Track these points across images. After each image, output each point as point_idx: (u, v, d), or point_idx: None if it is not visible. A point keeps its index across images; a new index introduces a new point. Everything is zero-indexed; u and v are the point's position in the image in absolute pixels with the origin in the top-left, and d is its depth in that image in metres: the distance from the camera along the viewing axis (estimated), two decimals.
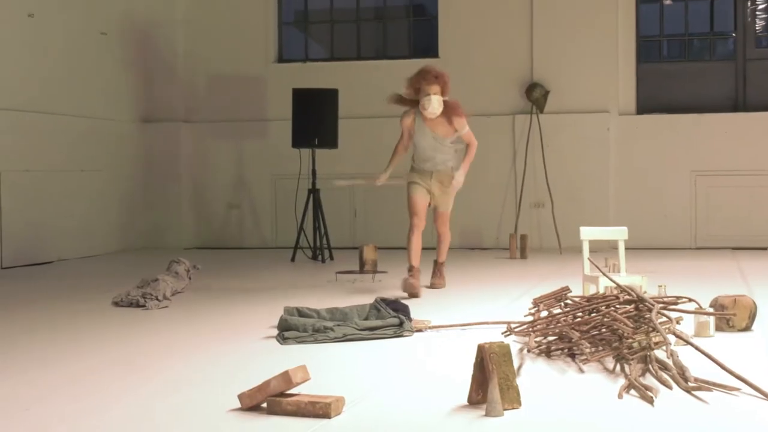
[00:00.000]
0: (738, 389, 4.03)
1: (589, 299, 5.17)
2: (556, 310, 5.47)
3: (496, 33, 12.03)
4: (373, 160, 12.18)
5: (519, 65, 11.94)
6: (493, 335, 5.19)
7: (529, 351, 4.82)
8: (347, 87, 11.59)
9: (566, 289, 5.70)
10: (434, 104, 7.56)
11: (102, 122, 11.88)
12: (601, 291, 5.74)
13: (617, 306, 4.89)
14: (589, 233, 6.47)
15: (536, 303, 5.73)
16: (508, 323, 5.44)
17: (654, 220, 11.61)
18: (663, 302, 5.01)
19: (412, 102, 7.76)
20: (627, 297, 4.92)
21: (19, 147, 10.42)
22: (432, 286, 7.90)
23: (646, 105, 11.95)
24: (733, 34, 12.06)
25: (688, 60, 12.30)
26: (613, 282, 5.37)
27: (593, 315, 4.88)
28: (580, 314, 4.99)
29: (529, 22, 11.88)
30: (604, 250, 9.54)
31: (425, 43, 12.77)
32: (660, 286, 5.89)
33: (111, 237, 12.00)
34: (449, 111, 7.65)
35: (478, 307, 6.70)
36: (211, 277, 8.85)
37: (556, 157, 11.68)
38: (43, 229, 10.71)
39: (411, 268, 7.56)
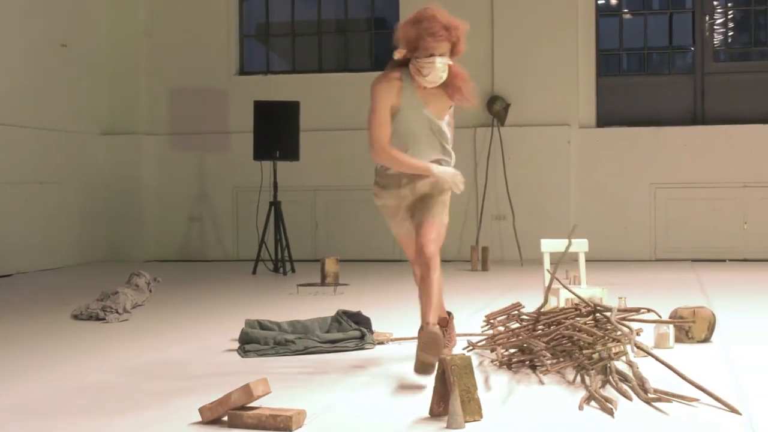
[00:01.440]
0: (697, 399, 4.06)
1: (543, 313, 5.18)
2: (514, 325, 5.48)
3: None
4: (335, 173, 12.22)
5: (480, 78, 11.97)
6: (455, 348, 5.19)
7: (497, 365, 4.82)
8: (309, 99, 11.60)
9: (518, 305, 5.72)
10: (439, 70, 4.92)
11: (63, 134, 11.80)
12: (562, 304, 5.76)
13: (576, 318, 4.92)
14: (549, 245, 6.49)
15: (488, 320, 5.72)
16: (469, 335, 5.45)
17: (614, 232, 11.69)
18: (623, 312, 5.05)
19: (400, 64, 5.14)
20: (586, 308, 4.95)
21: None
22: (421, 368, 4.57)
23: (606, 118, 12.04)
24: (692, 48, 12.19)
25: (647, 73, 12.41)
26: (572, 293, 5.40)
27: (553, 327, 4.90)
28: (540, 327, 5.01)
29: (490, 35, 11.94)
30: (565, 262, 9.57)
31: (386, 56, 12.76)
32: (620, 298, 5.92)
33: (71, 250, 11.90)
34: (454, 78, 5.01)
35: None
36: (172, 289, 8.80)
37: (518, 170, 11.74)
38: (2, 242, 10.60)
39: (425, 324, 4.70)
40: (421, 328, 4.66)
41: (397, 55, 4.99)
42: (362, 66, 12.79)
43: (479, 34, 11.94)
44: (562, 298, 5.88)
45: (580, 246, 6.57)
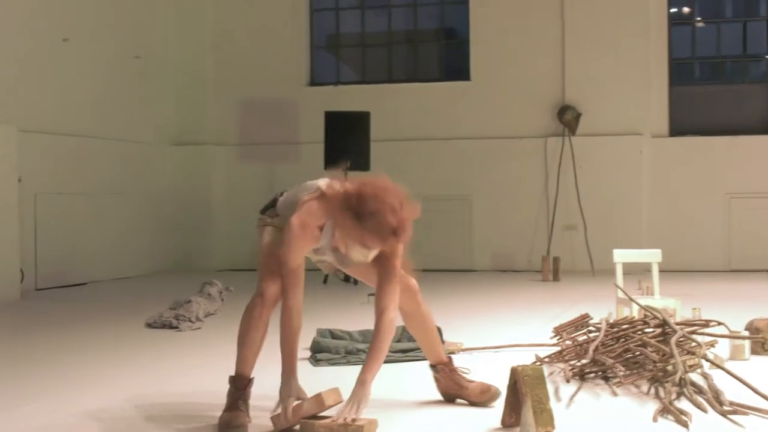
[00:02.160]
0: None
1: (612, 325, 5.14)
2: (583, 337, 5.43)
3: (528, 55, 12.04)
4: (405, 182, 12.21)
5: (551, 88, 11.94)
6: (526, 358, 5.17)
7: (567, 381, 4.78)
8: (379, 110, 11.63)
9: (586, 316, 5.67)
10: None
11: (134, 145, 11.99)
12: (635, 315, 5.70)
13: (644, 330, 4.88)
14: (622, 256, 6.43)
15: (557, 332, 5.69)
16: (541, 345, 5.42)
17: (688, 242, 11.55)
18: (690, 325, 4.98)
19: None
20: (654, 321, 4.90)
21: (52, 170, 10.53)
22: None
23: (678, 127, 11.91)
24: (767, 56, 12.00)
25: (721, 82, 12.25)
26: (639, 305, 5.35)
27: (621, 341, 4.86)
28: (610, 341, 4.96)
29: (561, 45, 11.88)
30: (637, 272, 9.49)
31: (456, 66, 12.80)
32: (694, 309, 5.86)
33: (143, 259, 12.07)
34: None
35: (511, 329, 6.68)
36: (244, 298, 8.82)
37: (589, 180, 11.65)
38: (76, 251, 10.79)
39: None
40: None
41: (324, 186, 4.16)
42: (431, 76, 12.81)
43: (550, 44, 11.90)
44: (635, 309, 5.82)
45: (654, 256, 6.51)
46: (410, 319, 4.50)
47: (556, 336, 5.65)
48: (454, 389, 4.43)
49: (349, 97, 12.28)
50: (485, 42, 12.22)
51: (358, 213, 3.89)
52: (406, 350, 5.56)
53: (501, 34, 12.15)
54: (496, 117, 12.12)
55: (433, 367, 4.50)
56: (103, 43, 11.50)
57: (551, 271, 10.61)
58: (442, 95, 12.37)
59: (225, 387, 4.07)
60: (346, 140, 10.77)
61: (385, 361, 5.38)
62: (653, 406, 4.19)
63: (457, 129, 12.18)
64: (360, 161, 10.79)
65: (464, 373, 4.55)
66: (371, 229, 3.88)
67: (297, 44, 12.87)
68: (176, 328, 6.99)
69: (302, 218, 4.08)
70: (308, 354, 5.60)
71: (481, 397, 4.36)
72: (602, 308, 6.52)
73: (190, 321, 7.12)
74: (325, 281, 10.70)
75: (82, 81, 11.09)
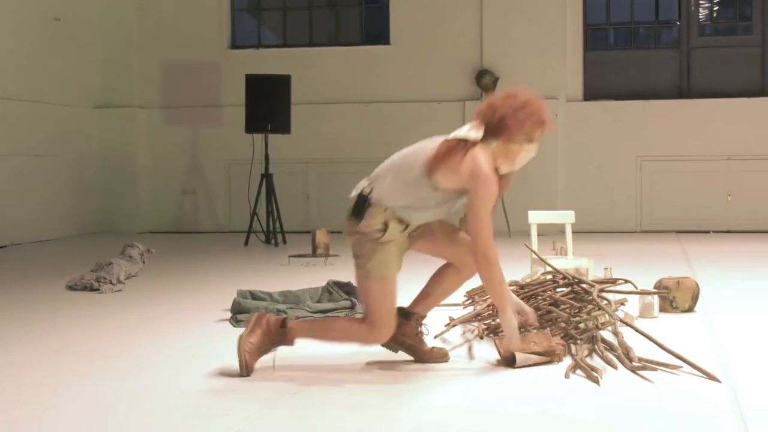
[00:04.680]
0: (680, 368, 4.17)
1: (523, 285, 5.27)
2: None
3: (447, 20, 12.14)
4: (326, 146, 12.31)
5: (469, 52, 12.06)
6: (440, 318, 5.26)
7: (481, 338, 4.90)
8: (300, 73, 11.66)
9: None
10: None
11: (57, 107, 11.85)
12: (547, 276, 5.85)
13: (556, 290, 5.03)
14: (536, 217, 6.59)
15: (470, 296, 5.73)
16: (456, 305, 5.53)
17: (601, 204, 11.81)
18: (601, 284, 5.16)
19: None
20: (563, 280, 5.06)
21: None
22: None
23: (593, 92, 12.14)
24: (678, 23, 12.27)
25: (634, 48, 12.50)
26: (549, 266, 5.49)
27: (531, 300, 4.99)
28: (522, 300, 5.09)
29: (479, 10, 12.00)
30: (553, 233, 9.71)
31: (377, 30, 12.86)
32: (606, 269, 6.04)
33: (65, 222, 11.98)
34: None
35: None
36: (165, 260, 8.89)
37: None
38: None
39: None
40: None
41: (475, 134, 4.18)
42: (353, 40, 12.85)
43: (469, 9, 12.02)
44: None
45: (566, 217, 6.67)
46: (452, 272, 4.47)
47: (468, 300, 5.73)
48: (413, 340, 4.45)
49: (270, 61, 12.27)
50: (405, 6, 12.29)
51: (504, 117, 4.18)
52: (325, 311, 5.65)
53: (420, 1, 12.23)
54: (415, 81, 12.22)
55: (411, 315, 4.47)
56: (26, 6, 11.31)
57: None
58: (362, 59, 12.43)
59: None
60: (267, 103, 10.78)
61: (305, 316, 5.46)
62: (566, 362, 4.34)
63: (377, 93, 12.26)
64: (281, 124, 10.83)
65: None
66: (529, 117, 4.21)
67: (219, 7, 12.79)
68: (97, 290, 7.00)
69: (485, 163, 4.13)
70: (228, 315, 5.66)
71: (432, 355, 4.46)
72: (518, 269, 6.68)
73: (111, 283, 7.12)
74: (246, 243, 10.75)
75: (4, 44, 10.91)
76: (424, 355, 4.46)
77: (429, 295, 4.52)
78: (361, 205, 4.23)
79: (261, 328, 4.28)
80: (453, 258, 4.43)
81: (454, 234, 4.43)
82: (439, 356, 4.47)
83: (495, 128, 4.18)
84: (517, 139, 4.20)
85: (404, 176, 4.20)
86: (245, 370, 4.17)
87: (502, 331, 4.46)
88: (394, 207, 4.18)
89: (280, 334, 4.31)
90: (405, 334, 4.44)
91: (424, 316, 4.55)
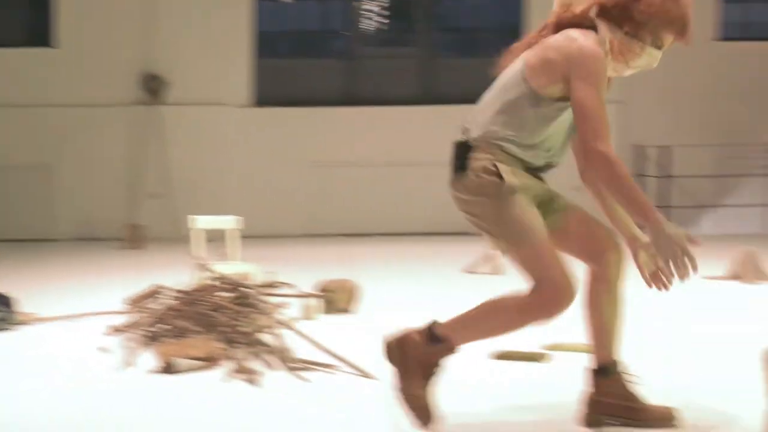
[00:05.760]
0: (334, 366, 4.29)
1: (188, 292, 5.23)
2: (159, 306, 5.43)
3: (116, 24, 11.81)
4: None
5: (138, 56, 11.82)
6: (101, 327, 5.13)
7: (144, 343, 4.81)
8: None
9: (158, 288, 5.63)
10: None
11: None
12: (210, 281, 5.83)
13: (219, 294, 5.04)
14: (199, 222, 6.57)
15: (131, 304, 5.59)
16: (118, 313, 5.41)
17: (273, 208, 11.91)
18: (262, 288, 5.22)
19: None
20: (226, 285, 5.08)
21: None
22: None
23: (263, 98, 12.24)
24: (346, 33, 12.63)
25: (303, 56, 12.75)
26: (211, 272, 5.50)
27: (193, 306, 4.96)
28: (184, 306, 5.04)
29: (152, 12, 11.79)
30: (223, 239, 9.69)
31: (41, 29, 12.33)
32: (268, 273, 6.11)
33: None
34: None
35: (92, 298, 6.57)
36: None
37: (177, 149, 11.68)
38: None
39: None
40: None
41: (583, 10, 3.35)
42: (11, 41, 12.29)
43: (140, 12, 11.77)
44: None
45: (229, 223, 6.71)
46: (600, 290, 3.49)
47: (129, 309, 5.59)
48: (620, 410, 3.46)
49: None
50: (72, 8, 11.87)
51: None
52: None
53: (89, 1, 11.86)
54: (79, 84, 11.82)
55: (607, 367, 3.50)
56: None
57: (135, 239, 10.58)
58: (25, 61, 11.89)
59: None
60: None
61: None
62: (227, 366, 4.34)
63: (41, 96, 11.75)
64: None
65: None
66: (677, 12, 3.27)
67: None
68: None
69: (591, 42, 3.27)
70: None
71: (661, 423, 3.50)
72: (186, 274, 6.61)
73: None
74: None
75: None
76: (649, 415, 3.48)
77: (600, 329, 3.50)
78: (463, 154, 3.36)
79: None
80: (592, 248, 3.46)
81: (591, 221, 3.49)
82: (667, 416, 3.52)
83: (620, 13, 3.30)
84: (644, 35, 3.30)
85: (503, 96, 3.37)
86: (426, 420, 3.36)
87: (163, 338, 4.40)
88: (498, 139, 3.31)
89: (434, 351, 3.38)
90: (610, 395, 3.49)
91: (618, 361, 3.54)
